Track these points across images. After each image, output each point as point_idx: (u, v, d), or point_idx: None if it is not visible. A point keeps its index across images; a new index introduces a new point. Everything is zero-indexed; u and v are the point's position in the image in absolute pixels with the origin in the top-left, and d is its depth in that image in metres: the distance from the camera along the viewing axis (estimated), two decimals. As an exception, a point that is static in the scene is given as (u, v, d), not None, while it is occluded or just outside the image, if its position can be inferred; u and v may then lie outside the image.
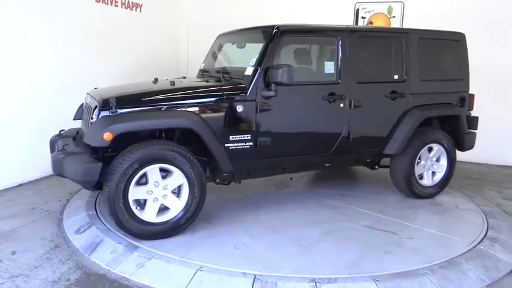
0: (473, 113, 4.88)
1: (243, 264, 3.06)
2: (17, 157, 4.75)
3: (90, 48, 5.60)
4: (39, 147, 4.73)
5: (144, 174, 3.34)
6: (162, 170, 3.40)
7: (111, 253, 3.22)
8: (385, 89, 4.27)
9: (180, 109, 3.54)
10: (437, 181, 4.63)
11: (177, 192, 3.51)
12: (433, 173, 4.63)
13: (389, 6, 6.68)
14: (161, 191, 3.41)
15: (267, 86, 3.69)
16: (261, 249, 3.33)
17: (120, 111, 3.33)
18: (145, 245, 3.28)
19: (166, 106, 3.51)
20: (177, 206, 3.46)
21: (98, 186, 3.32)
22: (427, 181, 4.59)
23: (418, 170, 4.49)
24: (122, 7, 6.20)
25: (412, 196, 4.53)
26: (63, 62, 5.23)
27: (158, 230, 3.40)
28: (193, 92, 3.72)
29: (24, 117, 4.79)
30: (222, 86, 3.78)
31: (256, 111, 3.71)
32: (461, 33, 4.72)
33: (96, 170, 3.17)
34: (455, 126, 4.68)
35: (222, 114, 3.63)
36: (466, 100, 4.71)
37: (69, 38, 5.28)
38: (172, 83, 3.90)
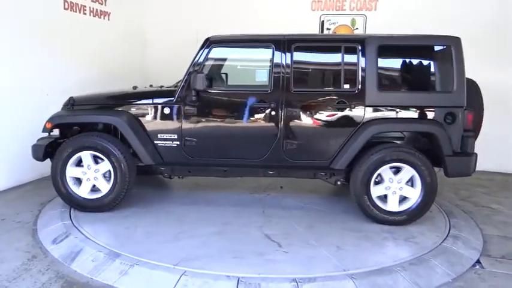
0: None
1: (104, 238, 3.59)
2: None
3: (57, 56, 5.53)
4: (6, 158, 4.62)
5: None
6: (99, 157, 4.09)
7: (92, 261, 3.21)
8: (330, 99, 4.04)
9: (115, 108, 4.23)
10: (406, 208, 4.00)
11: (109, 176, 4.13)
12: (405, 198, 4.03)
13: (353, 19, 7.01)
14: (93, 174, 4.11)
15: (192, 92, 4.06)
16: (140, 233, 3.73)
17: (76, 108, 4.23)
18: (127, 253, 3.29)
19: (106, 106, 4.28)
20: (104, 188, 4.11)
21: None
22: (391, 206, 4.00)
23: (377, 191, 4.00)
24: (90, 15, 6.15)
25: (372, 220, 4.03)
26: (30, 70, 5.13)
27: (86, 204, 4.12)
28: (131, 96, 4.36)
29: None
30: (155, 91, 4.35)
31: (182, 114, 4.14)
32: (454, 37, 3.98)
33: (41, 149, 4.05)
34: (436, 147, 3.97)
35: (151, 115, 4.20)
36: (458, 117, 3.94)
37: (36, 45, 5.19)
38: (135, 88, 4.56)
